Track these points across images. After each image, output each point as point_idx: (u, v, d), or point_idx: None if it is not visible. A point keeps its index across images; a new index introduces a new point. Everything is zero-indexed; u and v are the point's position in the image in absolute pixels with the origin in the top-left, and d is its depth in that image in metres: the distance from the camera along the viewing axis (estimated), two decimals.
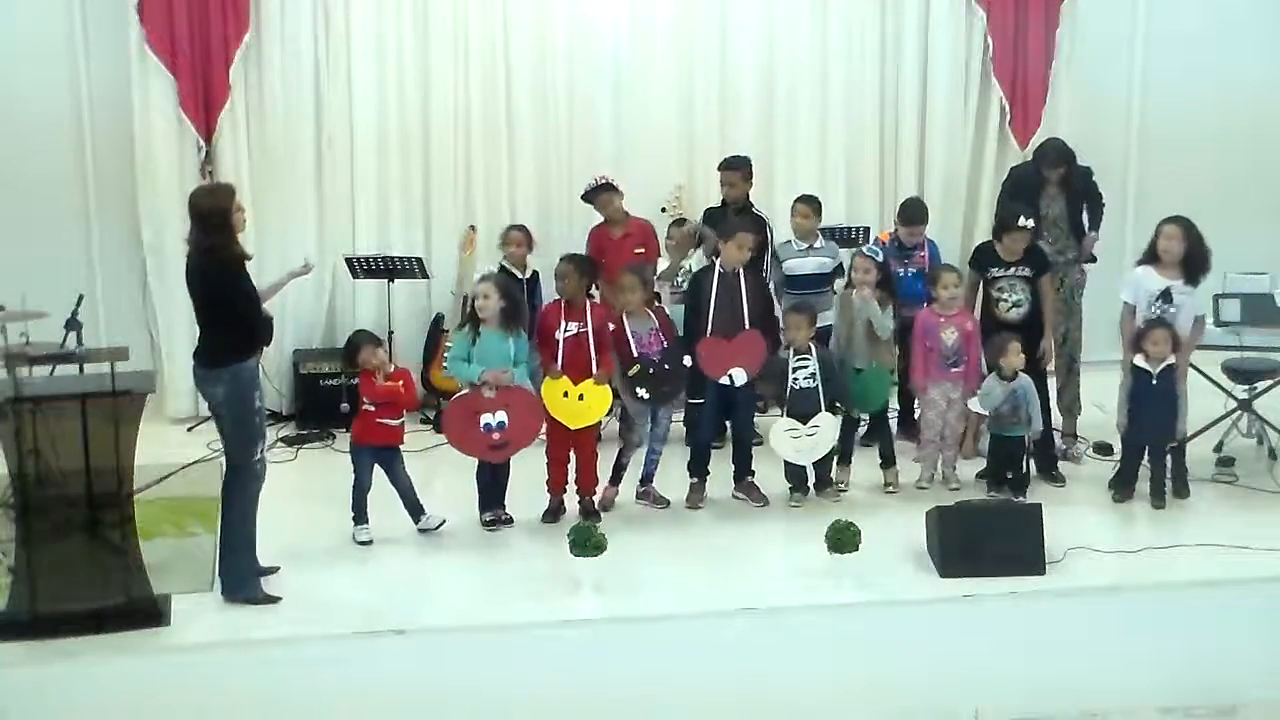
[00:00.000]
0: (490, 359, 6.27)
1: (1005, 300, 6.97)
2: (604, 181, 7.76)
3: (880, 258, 7.11)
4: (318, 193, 8.45)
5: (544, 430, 6.46)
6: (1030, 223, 6.89)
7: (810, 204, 7.78)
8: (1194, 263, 6.73)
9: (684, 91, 8.78)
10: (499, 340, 6.32)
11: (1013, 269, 6.95)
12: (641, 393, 6.54)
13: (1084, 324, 7.52)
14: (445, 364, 6.51)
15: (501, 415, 6.23)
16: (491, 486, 6.43)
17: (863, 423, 7.15)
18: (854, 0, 8.88)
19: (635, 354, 6.53)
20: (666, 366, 6.55)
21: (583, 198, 7.83)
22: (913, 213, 7.72)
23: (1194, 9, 9.58)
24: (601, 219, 7.84)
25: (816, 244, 7.74)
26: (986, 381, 6.74)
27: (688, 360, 6.62)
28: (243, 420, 5.45)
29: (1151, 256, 6.82)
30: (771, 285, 7.52)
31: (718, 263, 6.74)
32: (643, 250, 7.70)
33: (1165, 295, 6.73)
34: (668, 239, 7.84)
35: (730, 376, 6.61)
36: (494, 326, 6.32)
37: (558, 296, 6.64)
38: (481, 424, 6.22)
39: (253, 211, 6.18)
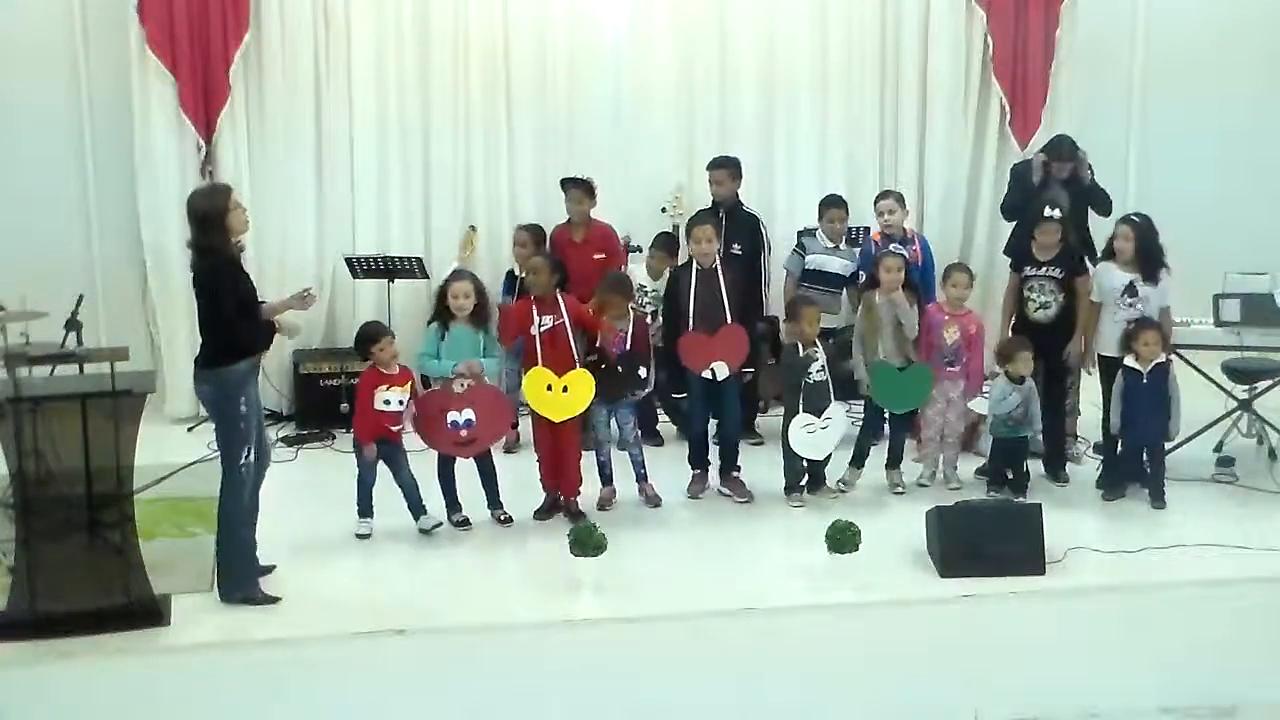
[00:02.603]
0: (462, 353, 6.33)
1: (1034, 300, 6.95)
2: (583, 179, 7.69)
3: (907, 256, 7.13)
4: (318, 193, 8.46)
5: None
6: (1057, 212, 6.86)
7: (844, 208, 7.96)
8: (1147, 260, 6.77)
9: (684, 91, 8.78)
10: (469, 334, 6.38)
11: (1044, 269, 6.93)
12: None
13: None
14: (416, 360, 6.49)
15: (469, 413, 6.27)
16: (450, 488, 6.41)
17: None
18: (854, 0, 8.88)
19: (597, 346, 6.57)
20: (619, 369, 6.57)
21: (561, 182, 7.76)
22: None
23: (1193, 9, 9.60)
24: (566, 220, 7.77)
25: (842, 245, 7.88)
26: (999, 387, 6.72)
27: (643, 372, 6.64)
28: (228, 423, 5.42)
29: (1109, 253, 6.89)
30: (784, 273, 7.76)
31: (694, 260, 6.76)
32: (603, 256, 7.58)
33: (1130, 289, 6.77)
34: (650, 258, 7.85)
35: (712, 371, 6.62)
36: (464, 321, 6.38)
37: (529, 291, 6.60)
38: (448, 421, 6.27)
39: (253, 211, 6.18)
